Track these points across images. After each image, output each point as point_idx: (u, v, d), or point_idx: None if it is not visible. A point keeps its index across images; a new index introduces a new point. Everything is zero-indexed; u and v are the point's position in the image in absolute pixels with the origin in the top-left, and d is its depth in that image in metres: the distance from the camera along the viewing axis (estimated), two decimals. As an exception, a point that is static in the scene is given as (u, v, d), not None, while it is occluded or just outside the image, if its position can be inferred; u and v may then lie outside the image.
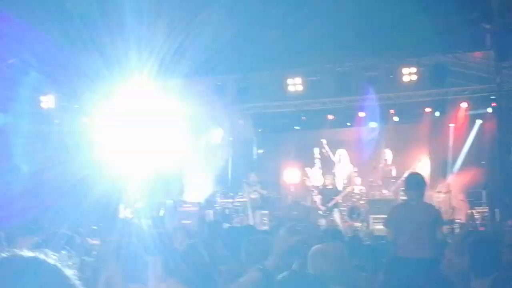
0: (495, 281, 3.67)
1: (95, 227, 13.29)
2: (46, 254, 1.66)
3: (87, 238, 9.66)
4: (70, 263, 1.71)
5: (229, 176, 22.82)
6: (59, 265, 1.67)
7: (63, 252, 1.93)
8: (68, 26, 15.50)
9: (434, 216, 7.01)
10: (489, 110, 18.44)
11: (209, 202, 21.82)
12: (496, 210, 14.91)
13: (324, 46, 15.73)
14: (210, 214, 20.61)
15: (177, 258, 5.36)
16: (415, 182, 7.31)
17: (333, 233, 9.57)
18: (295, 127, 23.28)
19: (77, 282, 1.68)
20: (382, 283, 5.54)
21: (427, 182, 7.43)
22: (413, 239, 6.89)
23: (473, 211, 18.16)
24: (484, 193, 19.56)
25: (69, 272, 1.67)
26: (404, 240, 6.98)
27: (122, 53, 15.38)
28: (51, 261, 1.67)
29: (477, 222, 16.60)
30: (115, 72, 16.16)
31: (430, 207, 7.16)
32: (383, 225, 9.23)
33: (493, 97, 16.55)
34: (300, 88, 17.40)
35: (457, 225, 16.55)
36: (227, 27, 15.72)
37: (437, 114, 20.77)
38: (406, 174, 21.11)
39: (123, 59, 15.61)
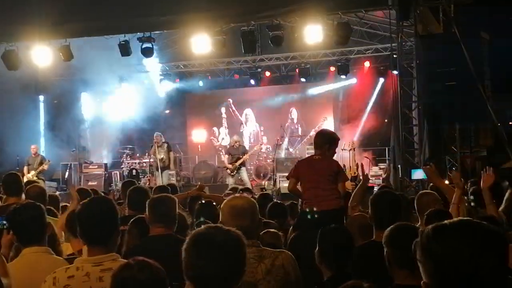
0: (391, 232, 3.80)
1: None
2: None
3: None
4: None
5: (135, 136, 22.54)
6: None
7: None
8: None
9: (335, 170, 7.13)
10: (391, 68, 18.88)
11: (116, 163, 21.57)
12: (398, 166, 15.36)
13: (229, 5, 15.62)
14: (117, 175, 20.38)
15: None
16: (320, 138, 7.41)
17: (243, 190, 9.63)
18: (201, 87, 23.17)
19: None
20: (292, 238, 5.62)
21: (335, 140, 7.50)
22: (315, 192, 7.02)
23: (377, 167, 18.69)
24: (387, 150, 20.15)
25: None
26: (308, 194, 7.10)
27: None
28: None
29: (381, 178, 17.08)
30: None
31: (331, 161, 7.26)
32: (286, 177, 9.35)
33: (395, 55, 16.91)
34: (206, 47, 17.23)
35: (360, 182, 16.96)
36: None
37: (342, 73, 21.10)
38: (312, 133, 21.61)
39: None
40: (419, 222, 5.42)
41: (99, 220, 3.67)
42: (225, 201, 4.09)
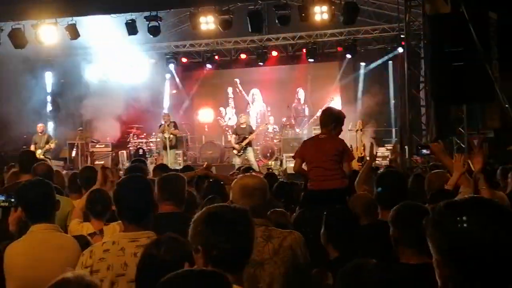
0: (398, 211, 3.82)
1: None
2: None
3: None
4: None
5: (142, 115, 22.55)
6: None
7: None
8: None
9: (340, 149, 7.11)
10: (399, 49, 18.81)
11: (122, 142, 21.58)
12: (405, 147, 15.34)
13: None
14: (123, 154, 20.43)
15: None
16: (326, 117, 7.38)
17: (245, 169, 9.66)
18: (208, 67, 23.13)
19: None
20: (297, 216, 5.64)
21: (341, 118, 7.48)
22: (320, 171, 7.02)
23: (384, 147, 18.68)
24: (394, 130, 20.12)
25: None
26: (313, 174, 7.10)
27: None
28: None
29: (388, 159, 17.05)
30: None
31: (337, 140, 7.24)
32: (292, 156, 9.36)
33: (402, 36, 16.83)
34: (212, 27, 17.17)
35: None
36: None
37: (348, 53, 21.03)
38: (318, 113, 21.58)
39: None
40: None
41: (136, 200, 3.75)
42: (236, 179, 4.12)
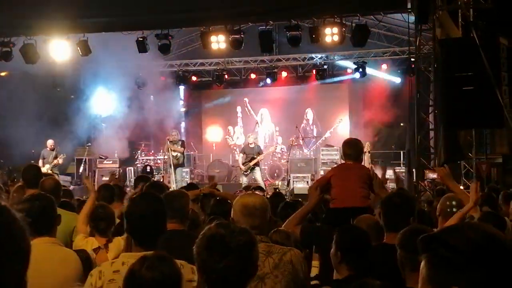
0: (404, 234, 3.78)
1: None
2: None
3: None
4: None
5: (150, 133, 22.61)
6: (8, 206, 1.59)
7: None
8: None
9: (368, 173, 7.17)
10: (408, 72, 18.80)
11: (130, 159, 21.61)
12: (413, 170, 15.26)
13: (249, 4, 15.58)
14: (131, 171, 20.44)
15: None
16: (354, 150, 7.40)
17: (255, 188, 9.63)
18: (217, 85, 23.18)
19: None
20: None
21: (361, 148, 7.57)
22: (343, 188, 6.98)
23: (391, 170, 18.58)
24: (402, 153, 20.04)
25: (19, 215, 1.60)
26: (335, 191, 7.03)
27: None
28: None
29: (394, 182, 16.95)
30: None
31: (363, 166, 7.36)
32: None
33: (412, 59, 16.82)
34: (223, 46, 17.23)
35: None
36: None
37: (358, 75, 21.04)
38: (327, 134, 21.58)
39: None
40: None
41: (148, 221, 3.71)
42: (237, 198, 4.09)
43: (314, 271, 5.09)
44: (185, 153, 18.48)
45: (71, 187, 14.53)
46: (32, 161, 16.99)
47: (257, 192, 7.26)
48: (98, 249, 4.95)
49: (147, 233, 3.68)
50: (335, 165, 8.44)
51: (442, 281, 1.76)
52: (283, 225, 5.57)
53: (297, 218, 5.55)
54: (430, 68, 17.19)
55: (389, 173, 17.96)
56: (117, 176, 12.79)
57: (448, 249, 1.76)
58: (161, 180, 17.31)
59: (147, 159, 20.97)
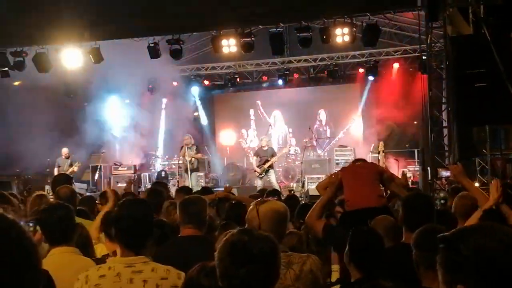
0: (419, 234, 3.79)
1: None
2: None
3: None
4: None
5: (164, 138, 22.69)
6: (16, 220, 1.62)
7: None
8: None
9: (379, 169, 7.21)
10: (420, 70, 18.75)
11: (145, 165, 21.69)
12: (428, 168, 15.21)
13: (258, 7, 15.60)
14: (146, 177, 20.51)
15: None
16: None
17: (270, 192, 9.63)
18: (229, 89, 23.23)
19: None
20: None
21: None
22: (357, 189, 6.97)
23: (405, 169, 18.53)
24: (416, 152, 19.98)
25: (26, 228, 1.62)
26: (349, 193, 7.01)
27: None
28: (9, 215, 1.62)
29: (410, 180, 16.91)
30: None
31: (373, 164, 7.40)
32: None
33: (424, 57, 16.79)
34: (234, 49, 17.26)
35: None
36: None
37: (370, 74, 21.01)
38: (340, 135, 21.56)
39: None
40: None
41: (135, 225, 3.73)
42: (259, 205, 4.04)
43: (335, 276, 5.08)
44: (199, 158, 18.52)
45: (87, 194, 14.58)
46: (48, 170, 17.15)
47: (270, 197, 7.24)
48: (107, 256, 4.96)
49: (134, 238, 3.70)
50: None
51: (450, 280, 1.79)
52: (305, 218, 5.64)
53: (317, 210, 5.60)
54: (442, 66, 17.17)
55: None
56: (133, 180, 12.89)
57: (457, 254, 1.78)
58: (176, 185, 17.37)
59: (162, 164, 21.04)
